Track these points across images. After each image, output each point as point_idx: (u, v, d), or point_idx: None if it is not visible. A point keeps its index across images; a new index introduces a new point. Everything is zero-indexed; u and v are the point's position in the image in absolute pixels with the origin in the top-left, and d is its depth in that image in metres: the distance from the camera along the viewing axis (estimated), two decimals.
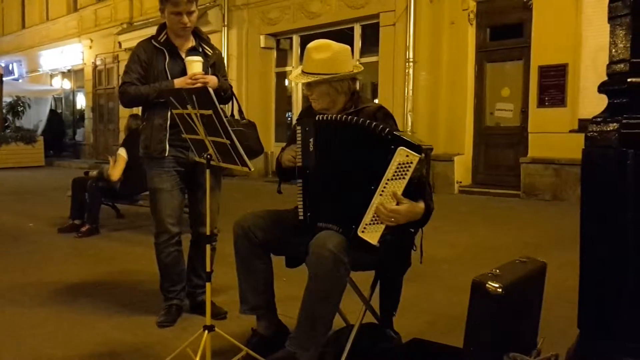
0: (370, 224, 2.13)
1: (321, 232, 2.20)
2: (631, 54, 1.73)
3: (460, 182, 9.02)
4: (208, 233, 2.51)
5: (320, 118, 2.30)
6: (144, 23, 14.45)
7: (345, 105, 2.44)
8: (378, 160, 2.08)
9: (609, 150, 1.74)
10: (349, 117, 2.24)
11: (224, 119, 2.26)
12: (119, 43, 15.57)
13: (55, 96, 19.61)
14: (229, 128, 2.25)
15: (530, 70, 8.30)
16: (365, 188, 2.12)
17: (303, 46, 2.55)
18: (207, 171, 2.45)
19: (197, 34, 3.20)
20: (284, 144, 2.58)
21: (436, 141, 8.90)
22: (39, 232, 6.04)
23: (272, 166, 11.59)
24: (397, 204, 2.10)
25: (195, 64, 2.99)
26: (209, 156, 2.43)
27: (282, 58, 12.45)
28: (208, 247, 2.48)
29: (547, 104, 8.13)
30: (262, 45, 12.17)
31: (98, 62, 17.21)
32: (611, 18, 1.78)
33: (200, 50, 3.15)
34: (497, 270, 1.95)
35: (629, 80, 1.73)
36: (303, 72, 2.42)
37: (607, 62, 1.80)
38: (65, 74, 19.55)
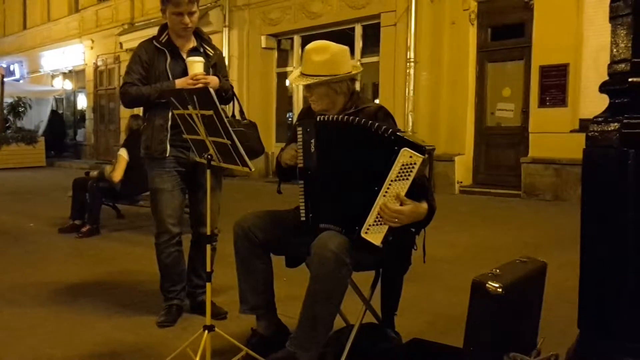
0: (373, 224, 2.13)
1: (323, 232, 2.20)
2: (632, 53, 1.73)
3: (461, 182, 9.01)
4: (208, 233, 2.51)
5: (321, 119, 2.30)
6: (145, 24, 14.46)
7: (345, 105, 2.44)
8: (381, 161, 2.08)
9: (610, 150, 1.74)
10: (351, 117, 2.24)
11: (225, 120, 2.26)
12: (120, 44, 15.58)
13: (56, 97, 19.63)
14: (230, 128, 2.25)
15: (531, 70, 8.29)
16: (367, 189, 2.12)
17: (304, 46, 2.54)
18: (208, 171, 2.45)
19: (198, 35, 3.20)
20: (284, 145, 2.58)
21: (437, 141, 8.90)
22: (39, 232, 6.04)
23: (272, 166, 11.59)
24: (401, 204, 2.10)
25: (196, 65, 2.99)
26: (209, 156, 2.43)
27: (283, 58, 12.45)
28: (208, 247, 2.48)
29: (548, 103, 8.13)
30: (263, 45, 12.17)
31: (99, 63, 17.23)
32: (612, 18, 1.78)
33: (202, 50, 3.16)
34: (497, 270, 1.94)
35: (630, 80, 1.72)
36: (302, 73, 2.42)
37: (609, 62, 1.80)
38: (67, 75, 19.58)
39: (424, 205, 2.17)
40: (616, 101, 1.79)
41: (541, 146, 8.10)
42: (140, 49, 3.13)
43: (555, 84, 8.01)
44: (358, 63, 10.51)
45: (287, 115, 12.47)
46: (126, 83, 3.09)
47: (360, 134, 2.18)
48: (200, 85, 2.89)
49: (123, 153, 5.68)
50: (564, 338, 2.08)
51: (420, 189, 2.15)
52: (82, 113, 19.22)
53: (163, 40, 3.11)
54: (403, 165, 2.05)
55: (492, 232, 5.87)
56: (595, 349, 1.79)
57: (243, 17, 12.44)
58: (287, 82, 12.38)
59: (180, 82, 2.97)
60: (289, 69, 12.11)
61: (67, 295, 3.68)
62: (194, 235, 3.26)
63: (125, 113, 13.56)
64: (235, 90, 3.34)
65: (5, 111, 17.24)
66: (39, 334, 2.98)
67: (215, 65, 3.20)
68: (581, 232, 1.83)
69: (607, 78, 1.82)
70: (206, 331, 2.37)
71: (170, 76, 3.05)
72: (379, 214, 2.11)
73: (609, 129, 1.75)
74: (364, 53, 10.84)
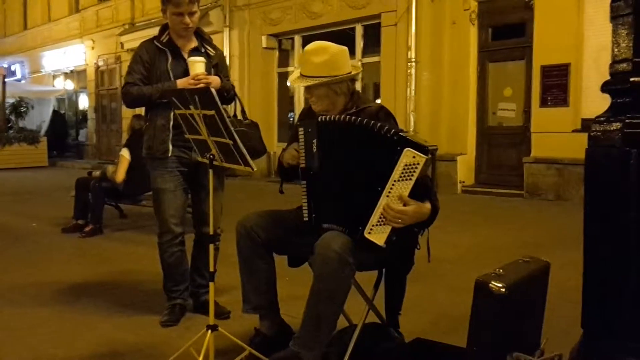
0: (377, 225, 2.13)
1: (326, 232, 2.20)
2: (634, 53, 1.73)
3: (463, 182, 9.01)
4: (211, 233, 2.52)
5: (323, 119, 2.30)
6: (145, 24, 14.46)
7: (345, 106, 2.43)
8: (383, 161, 2.08)
9: (612, 149, 1.74)
10: (353, 117, 2.24)
11: (227, 119, 2.26)
12: (121, 44, 15.58)
13: (58, 97, 19.65)
14: (232, 128, 2.26)
15: (532, 70, 8.28)
16: (370, 189, 2.12)
17: (305, 46, 2.54)
18: (210, 171, 2.46)
19: (199, 35, 3.21)
20: (286, 144, 2.58)
21: (439, 141, 8.88)
22: (42, 232, 6.05)
23: (274, 166, 11.56)
24: (404, 205, 2.10)
25: (197, 65, 3.00)
26: (211, 156, 2.43)
27: (284, 58, 12.45)
28: (211, 247, 2.49)
29: (549, 103, 8.12)
30: (264, 45, 12.17)
31: (100, 63, 17.24)
32: (613, 17, 1.78)
33: (203, 50, 3.16)
34: (501, 270, 1.94)
35: (631, 79, 1.72)
36: (302, 75, 2.41)
37: (610, 62, 1.80)
38: (68, 75, 19.59)
39: (427, 206, 2.17)
40: (618, 101, 1.79)
41: (543, 146, 8.10)
42: (141, 49, 3.13)
43: (556, 84, 8.00)
44: (359, 63, 10.57)
45: (289, 115, 12.47)
46: (128, 83, 3.09)
47: (362, 134, 2.18)
48: (201, 85, 2.89)
49: (125, 153, 5.69)
50: (567, 338, 2.08)
51: (423, 189, 2.15)
52: (84, 113, 19.24)
53: (164, 40, 3.12)
54: (406, 165, 2.04)
55: (494, 232, 5.87)
56: (598, 349, 1.79)
57: (243, 17, 12.44)
58: (289, 82, 12.38)
59: (181, 82, 2.97)
60: (290, 68, 12.11)
61: (69, 295, 3.69)
62: (197, 235, 3.27)
63: (127, 113, 13.59)
64: (237, 90, 3.34)
65: (7, 111, 17.26)
66: (41, 333, 2.99)
67: (216, 65, 3.20)
68: (584, 231, 1.83)
69: (608, 78, 1.82)
70: (209, 331, 2.38)
71: (171, 76, 3.06)
72: (382, 214, 2.11)
73: (611, 128, 1.75)
74: (364, 53, 10.84)
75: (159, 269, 3.22)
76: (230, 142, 2.28)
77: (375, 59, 10.46)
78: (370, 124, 2.15)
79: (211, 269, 2.48)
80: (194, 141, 2.60)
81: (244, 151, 2.28)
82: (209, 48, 3.21)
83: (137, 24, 15.39)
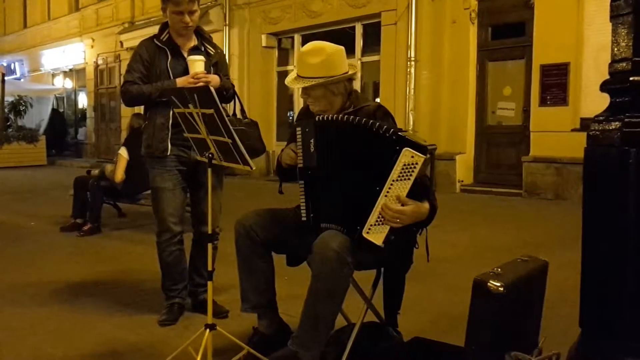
0: (375, 224, 2.12)
1: (325, 232, 2.20)
2: (633, 52, 1.73)
3: (462, 181, 9.01)
4: (210, 232, 2.51)
5: (320, 118, 2.29)
6: (145, 22, 14.46)
7: (343, 105, 2.42)
8: (382, 161, 2.07)
9: (611, 149, 1.73)
10: (350, 117, 2.23)
11: (226, 118, 2.26)
12: (121, 42, 15.58)
13: (57, 95, 19.65)
14: (231, 127, 2.25)
15: (532, 69, 8.29)
16: (368, 189, 2.12)
17: (305, 45, 2.54)
18: (209, 170, 2.45)
19: (199, 33, 3.20)
20: (285, 143, 2.58)
21: (438, 140, 8.89)
22: (40, 231, 6.05)
23: (273, 165, 11.58)
24: (402, 205, 2.09)
25: (197, 63, 2.99)
26: (210, 155, 2.43)
27: (284, 57, 12.45)
28: (210, 246, 2.48)
29: (549, 102, 8.12)
30: (264, 44, 12.17)
31: (100, 62, 17.23)
32: (613, 17, 1.78)
33: (203, 49, 3.16)
34: (499, 269, 1.94)
35: (631, 79, 1.72)
36: (298, 76, 2.40)
37: (609, 61, 1.80)
38: (67, 74, 19.59)
39: (426, 205, 2.16)
40: (617, 100, 1.78)
41: (542, 145, 8.10)
42: (141, 48, 3.13)
43: (556, 83, 8.00)
44: (358, 62, 10.57)
45: (288, 114, 12.47)
46: (127, 82, 3.09)
47: (360, 134, 2.17)
48: (201, 84, 2.89)
49: (123, 152, 5.68)
50: (566, 337, 2.08)
51: (422, 189, 2.14)
52: (83, 112, 19.24)
53: (164, 39, 3.11)
54: (405, 165, 2.04)
55: (493, 231, 5.87)
56: (596, 348, 1.79)
57: (243, 16, 12.44)
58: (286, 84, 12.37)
59: (181, 81, 2.97)
60: (289, 67, 12.10)
61: (68, 294, 3.68)
62: (196, 234, 3.27)
63: (126, 112, 13.58)
64: (236, 89, 3.34)
65: (6, 110, 17.25)
66: (40, 333, 2.98)
67: (216, 64, 3.20)
68: (582, 231, 1.83)
69: (608, 77, 1.81)
70: (208, 330, 2.38)
71: (171, 75, 3.05)
72: (380, 214, 2.10)
73: (610, 128, 1.75)
74: (364, 52, 10.84)
75: (158, 268, 3.22)
76: (229, 141, 2.28)
77: (375, 57, 10.46)
78: (368, 123, 2.15)
79: (210, 268, 2.48)
80: (193, 140, 2.59)
81: (243, 150, 2.27)
82: (209, 47, 3.21)
83: (136, 23, 15.38)
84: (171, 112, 2.98)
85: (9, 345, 2.82)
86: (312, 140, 2.27)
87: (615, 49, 1.77)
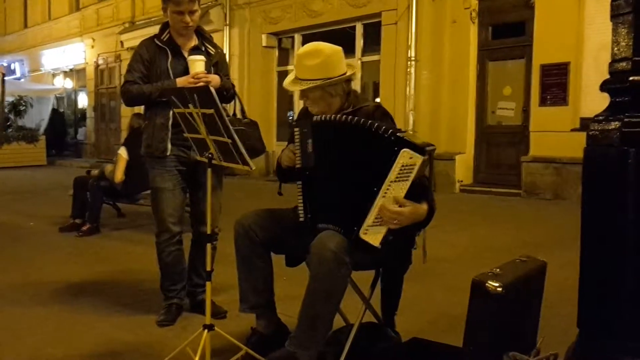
0: (372, 225, 2.11)
1: (322, 232, 2.19)
2: (633, 52, 1.72)
3: (462, 181, 9.01)
4: (209, 232, 2.51)
5: (318, 119, 2.29)
6: (146, 22, 14.46)
7: (342, 106, 2.42)
8: (380, 162, 2.06)
9: (611, 149, 1.73)
10: (349, 117, 2.22)
11: (226, 118, 2.26)
12: (121, 42, 15.58)
13: (57, 95, 19.65)
14: (230, 127, 2.25)
15: (532, 68, 8.29)
16: (366, 189, 2.11)
17: (304, 45, 2.53)
18: (209, 170, 2.45)
19: (200, 33, 3.20)
20: (285, 143, 2.57)
21: (437, 140, 8.87)
22: (39, 231, 6.05)
23: (273, 165, 11.55)
24: (400, 206, 2.08)
25: (197, 63, 2.99)
26: (210, 155, 2.42)
27: (284, 57, 12.45)
28: (209, 246, 2.48)
29: (548, 102, 8.12)
30: (264, 44, 12.17)
31: (100, 62, 17.24)
32: (613, 16, 1.78)
33: (203, 49, 3.15)
34: (497, 270, 1.94)
35: (631, 78, 1.72)
36: (296, 78, 2.40)
37: (609, 61, 1.80)
38: (67, 74, 19.58)
39: (424, 207, 2.15)
40: (617, 100, 1.78)
41: (542, 145, 8.09)
42: (141, 48, 3.12)
43: (556, 83, 8.00)
44: (358, 62, 10.56)
45: (288, 114, 12.47)
46: (127, 81, 3.09)
47: (358, 134, 2.16)
48: (201, 83, 2.88)
49: (122, 152, 5.68)
50: (564, 337, 2.08)
51: (420, 189, 2.13)
52: (83, 112, 19.24)
53: (164, 39, 3.11)
54: (403, 166, 2.03)
55: (492, 231, 5.87)
56: (595, 348, 1.79)
57: (244, 16, 12.44)
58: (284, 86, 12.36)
59: (181, 81, 2.97)
60: (289, 67, 12.10)
61: (67, 295, 3.68)
62: (195, 234, 3.26)
63: (126, 112, 13.58)
64: (236, 89, 3.33)
65: (6, 110, 17.26)
66: (39, 333, 2.98)
67: (216, 64, 3.19)
68: (581, 231, 1.82)
69: (608, 77, 1.81)
70: (206, 330, 2.37)
71: (171, 75, 3.05)
72: (378, 215, 2.10)
73: (610, 127, 1.74)
74: (364, 51, 10.84)
75: (157, 268, 3.22)
76: (229, 141, 2.27)
77: (375, 57, 10.46)
78: (366, 123, 2.14)
79: (208, 269, 2.47)
80: (193, 140, 2.59)
81: (243, 150, 2.27)
82: (210, 47, 3.21)
83: (137, 23, 15.38)
84: (171, 112, 2.98)
85: (8, 345, 2.81)
86: (309, 141, 2.26)
87: (616, 49, 1.77)
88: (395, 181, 2.05)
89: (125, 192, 5.90)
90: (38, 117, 18.37)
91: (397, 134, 2.07)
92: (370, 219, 2.11)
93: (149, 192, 3.33)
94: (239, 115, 3.19)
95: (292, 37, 12.09)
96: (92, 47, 17.48)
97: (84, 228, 5.75)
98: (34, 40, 20.73)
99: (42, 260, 4.68)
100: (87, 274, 4.19)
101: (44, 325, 3.09)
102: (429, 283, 3.70)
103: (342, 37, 10.62)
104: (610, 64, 1.79)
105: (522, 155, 8.34)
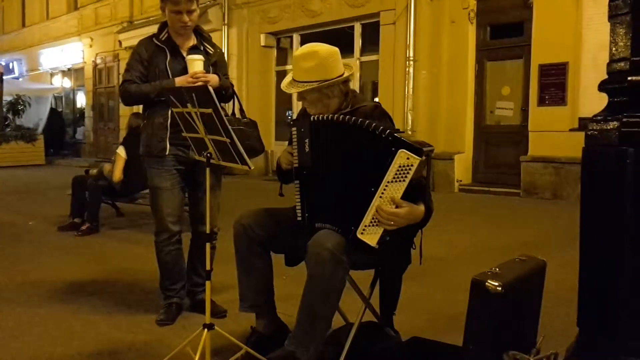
0: (369, 225, 2.11)
1: (319, 231, 2.20)
2: (631, 52, 1.73)
3: (461, 181, 9.02)
4: (208, 231, 2.51)
5: (315, 118, 2.29)
6: (144, 22, 14.45)
7: (340, 106, 2.41)
8: (377, 162, 2.06)
9: (609, 148, 1.74)
10: (346, 117, 2.22)
11: (224, 118, 2.26)
12: (119, 42, 15.58)
13: (55, 95, 19.63)
14: (229, 127, 2.25)
15: (530, 68, 8.30)
16: (364, 189, 2.11)
17: (303, 45, 2.53)
18: (207, 170, 2.45)
19: (198, 33, 3.20)
20: (284, 142, 2.57)
21: (436, 140, 8.90)
22: (38, 231, 6.04)
23: (272, 165, 11.59)
24: (397, 207, 2.08)
25: (196, 63, 2.99)
26: (208, 155, 2.43)
27: (283, 57, 12.45)
28: (208, 245, 2.47)
29: (547, 102, 8.13)
30: (263, 43, 12.17)
31: (98, 61, 17.22)
32: (611, 16, 1.78)
33: (202, 48, 3.15)
34: (497, 269, 1.94)
35: (629, 78, 1.73)
36: (293, 79, 2.40)
37: (608, 61, 1.80)
38: (66, 73, 19.56)
39: (421, 208, 2.15)
40: (615, 100, 1.79)
41: (541, 145, 8.11)
42: (140, 47, 3.12)
43: (554, 83, 8.01)
44: (357, 62, 10.55)
45: (287, 114, 12.47)
46: (126, 81, 3.08)
47: (356, 134, 2.16)
48: (199, 83, 2.88)
49: (121, 152, 5.67)
50: (564, 336, 2.08)
51: (417, 190, 2.13)
52: (82, 111, 19.22)
53: (163, 38, 3.11)
54: (400, 166, 2.02)
55: (491, 230, 5.87)
56: (594, 348, 1.80)
57: (242, 16, 12.43)
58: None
59: (180, 80, 2.97)
60: (288, 67, 12.10)
61: (66, 294, 3.68)
62: (194, 234, 3.26)
63: (124, 111, 13.58)
64: (235, 88, 3.33)
65: (4, 109, 17.23)
66: (38, 332, 2.98)
67: (215, 63, 3.19)
68: (580, 230, 1.83)
69: (606, 77, 1.82)
70: (206, 329, 2.37)
71: (170, 74, 3.05)
72: (374, 215, 2.10)
73: (608, 127, 1.75)
74: (363, 51, 10.84)
75: (156, 267, 3.21)
76: (228, 140, 2.27)
77: (373, 57, 10.46)
78: (364, 123, 2.14)
79: (208, 268, 2.47)
80: (191, 139, 2.59)
81: (241, 149, 2.27)
82: (208, 46, 3.21)
83: (135, 22, 15.37)
84: (170, 112, 2.97)
85: (6, 345, 2.81)
86: (306, 140, 2.27)
87: (614, 49, 1.78)
88: (392, 182, 2.05)
89: (124, 192, 5.90)
90: (36, 117, 18.34)
91: (395, 134, 2.07)
92: (367, 219, 2.11)
93: (147, 191, 3.33)
94: (238, 115, 3.19)
95: (291, 37, 12.09)
96: (90, 46, 17.46)
97: (83, 227, 5.75)
98: (32, 39, 20.70)
99: (41, 260, 4.68)
100: (86, 273, 4.18)
101: (43, 325, 3.09)
102: (428, 282, 3.70)
103: (340, 36, 10.62)
104: (609, 64, 1.80)
105: (521, 155, 8.36)
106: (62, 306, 3.42)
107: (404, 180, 2.04)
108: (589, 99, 7.46)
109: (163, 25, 3.15)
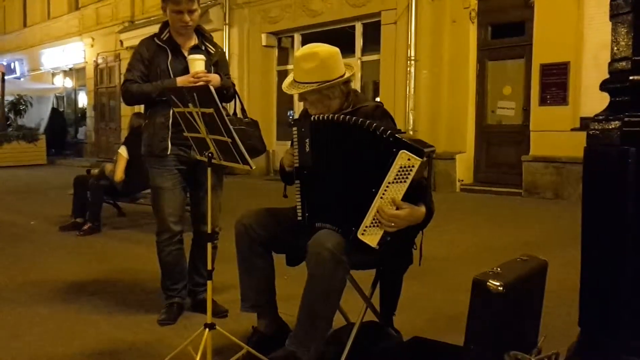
0: (370, 226, 2.11)
1: (320, 231, 2.19)
2: (633, 51, 1.73)
3: (462, 181, 9.01)
4: (209, 231, 2.51)
5: (316, 118, 2.29)
6: (145, 21, 14.46)
7: (341, 107, 2.41)
8: (378, 163, 2.06)
9: (611, 148, 1.73)
10: (347, 117, 2.21)
11: (225, 117, 2.26)
12: (121, 41, 15.58)
13: (57, 95, 19.65)
14: (230, 126, 2.25)
15: (532, 68, 8.29)
16: (365, 190, 2.10)
17: (304, 44, 2.52)
18: (209, 169, 2.45)
19: (200, 32, 3.20)
20: (285, 142, 2.58)
21: (438, 139, 8.89)
22: (40, 231, 6.05)
23: (273, 165, 11.60)
24: (397, 208, 2.08)
25: (197, 63, 2.99)
26: (210, 154, 2.43)
27: (284, 56, 12.45)
28: (209, 245, 2.48)
29: (548, 102, 8.12)
30: (264, 43, 12.17)
31: (100, 61, 17.23)
32: (613, 16, 1.78)
33: (203, 48, 3.15)
34: (498, 269, 1.94)
35: (630, 78, 1.72)
36: (294, 80, 2.40)
37: (609, 60, 1.80)
38: (67, 73, 19.58)
39: (422, 209, 2.14)
40: (617, 99, 1.78)
41: (542, 144, 8.10)
42: (141, 47, 3.13)
43: (555, 82, 8.00)
44: (358, 62, 10.54)
45: (288, 114, 12.45)
46: (127, 80, 3.09)
47: (357, 134, 2.15)
48: (201, 83, 2.88)
49: (122, 152, 5.68)
50: (565, 336, 2.08)
51: (419, 191, 2.13)
52: (83, 111, 19.24)
53: (164, 38, 3.11)
54: (401, 167, 2.02)
55: (493, 230, 5.87)
56: (596, 347, 1.79)
57: (243, 15, 12.43)
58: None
59: (181, 80, 2.97)
60: (289, 66, 12.09)
61: (68, 294, 3.68)
62: (195, 234, 3.26)
63: (126, 111, 13.58)
64: (236, 88, 3.33)
65: (6, 109, 17.25)
66: (39, 332, 2.98)
67: (216, 63, 3.19)
68: (582, 230, 1.83)
69: (607, 76, 1.81)
70: (207, 329, 2.37)
71: (171, 74, 3.05)
72: (375, 216, 2.10)
73: (610, 127, 1.75)
74: (364, 51, 10.84)
75: (157, 267, 3.22)
76: (229, 140, 2.28)
77: (374, 57, 10.46)
78: (364, 123, 2.13)
79: (209, 268, 2.47)
80: (193, 139, 2.59)
81: (243, 149, 2.27)
82: (210, 46, 3.21)
83: (136, 22, 15.38)
84: (171, 112, 2.98)
85: (7, 344, 2.81)
86: (307, 140, 2.26)
87: (615, 48, 1.77)
88: (393, 183, 2.05)
89: (126, 191, 5.90)
90: (38, 117, 18.35)
91: (396, 135, 2.06)
92: (368, 219, 2.10)
93: (149, 191, 3.33)
94: (239, 115, 3.19)
95: (292, 37, 12.09)
96: (92, 46, 17.48)
97: (85, 227, 5.76)
98: (33, 39, 20.72)
99: (43, 259, 4.69)
100: (87, 273, 4.19)
101: (44, 324, 3.10)
102: (429, 282, 3.70)
103: (341, 36, 10.62)
104: (610, 64, 1.80)
105: (523, 154, 8.35)
106: (63, 306, 3.42)
107: (405, 182, 2.03)
108: (591, 99, 7.44)
109: (164, 25, 3.15)
